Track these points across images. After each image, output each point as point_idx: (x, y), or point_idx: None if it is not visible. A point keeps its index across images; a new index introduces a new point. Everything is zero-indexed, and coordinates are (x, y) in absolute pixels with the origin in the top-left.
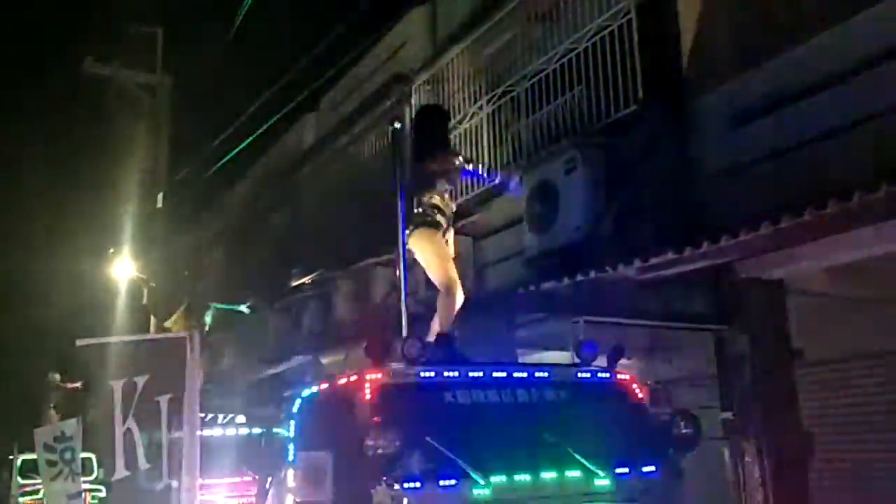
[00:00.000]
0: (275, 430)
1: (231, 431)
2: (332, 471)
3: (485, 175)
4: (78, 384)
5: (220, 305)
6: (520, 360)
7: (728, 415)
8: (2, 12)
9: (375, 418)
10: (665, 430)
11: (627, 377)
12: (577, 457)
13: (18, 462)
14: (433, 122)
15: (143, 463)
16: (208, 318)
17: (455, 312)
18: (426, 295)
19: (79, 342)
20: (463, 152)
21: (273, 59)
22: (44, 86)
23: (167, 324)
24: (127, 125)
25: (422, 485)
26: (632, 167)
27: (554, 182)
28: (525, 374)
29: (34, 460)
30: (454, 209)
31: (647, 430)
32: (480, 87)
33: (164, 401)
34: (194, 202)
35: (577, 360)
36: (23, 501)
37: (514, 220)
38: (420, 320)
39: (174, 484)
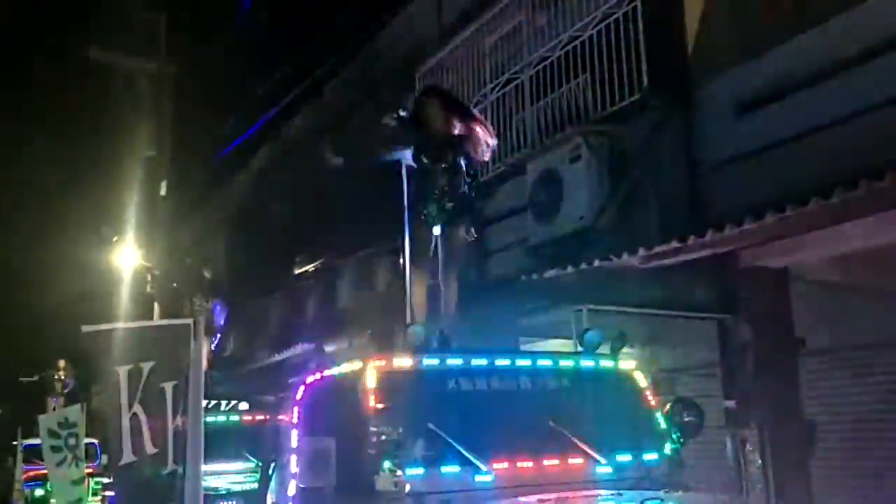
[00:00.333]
0: (278, 416)
1: (234, 418)
2: (336, 457)
3: None
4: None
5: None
6: (523, 348)
7: (730, 403)
8: None
9: (379, 405)
10: (667, 418)
11: (630, 365)
12: (580, 444)
13: (22, 448)
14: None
15: (149, 448)
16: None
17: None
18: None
19: (84, 329)
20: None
21: (277, 46)
22: (47, 73)
23: None
24: (130, 112)
25: (424, 471)
26: (636, 155)
27: (558, 170)
28: (528, 362)
29: (38, 446)
30: None
31: (650, 417)
32: (485, 75)
33: (168, 387)
34: (198, 190)
35: (580, 349)
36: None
37: (518, 209)
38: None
39: (179, 470)
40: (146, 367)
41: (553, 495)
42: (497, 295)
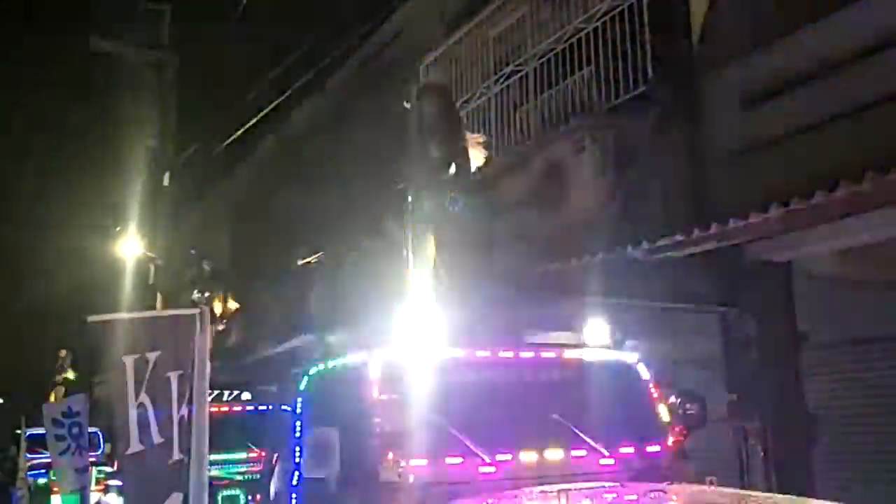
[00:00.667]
0: (281, 406)
1: (237, 408)
2: (339, 447)
3: None
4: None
5: None
6: (526, 341)
7: (733, 397)
8: None
9: (382, 396)
10: (670, 410)
11: (634, 358)
12: (583, 436)
13: (25, 437)
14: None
15: (156, 438)
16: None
17: None
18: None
19: (90, 319)
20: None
21: (280, 36)
22: (51, 62)
23: None
24: (133, 102)
25: (428, 462)
26: (641, 148)
27: (563, 163)
28: (532, 354)
29: (42, 435)
30: None
31: (653, 410)
32: (489, 67)
33: (174, 377)
34: (201, 180)
35: (584, 341)
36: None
37: (522, 201)
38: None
39: (185, 459)
40: (152, 357)
41: (556, 487)
42: (501, 287)
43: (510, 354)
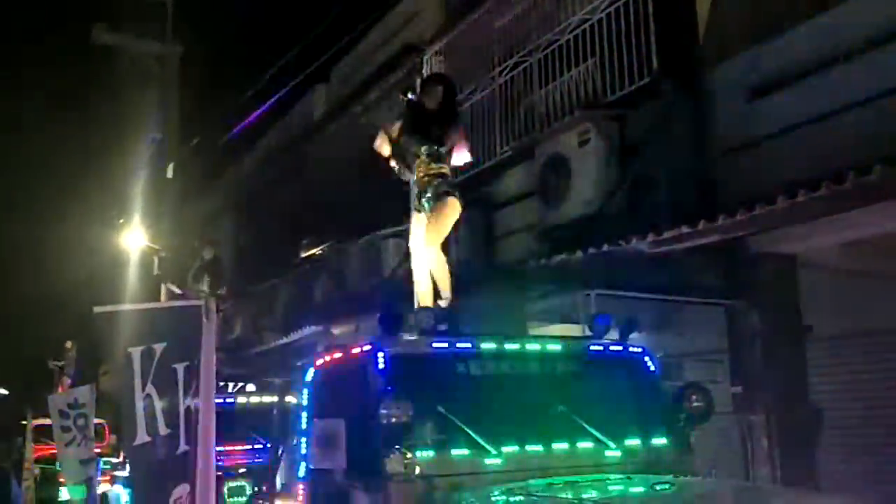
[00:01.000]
0: (286, 398)
1: (242, 400)
2: (346, 439)
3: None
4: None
5: None
6: (532, 333)
7: (738, 389)
8: None
9: (389, 387)
10: (676, 402)
11: (639, 350)
12: (589, 428)
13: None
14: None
15: (163, 429)
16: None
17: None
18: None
19: (96, 310)
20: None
21: (283, 28)
22: (54, 55)
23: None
24: (137, 94)
25: (434, 454)
26: (646, 140)
27: (567, 154)
28: (537, 346)
29: (48, 426)
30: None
31: (658, 402)
32: (493, 58)
33: (180, 368)
34: (205, 172)
35: (589, 333)
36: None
37: (526, 193)
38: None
39: (191, 449)
40: (159, 348)
41: (562, 479)
42: (506, 279)
43: (516, 346)
